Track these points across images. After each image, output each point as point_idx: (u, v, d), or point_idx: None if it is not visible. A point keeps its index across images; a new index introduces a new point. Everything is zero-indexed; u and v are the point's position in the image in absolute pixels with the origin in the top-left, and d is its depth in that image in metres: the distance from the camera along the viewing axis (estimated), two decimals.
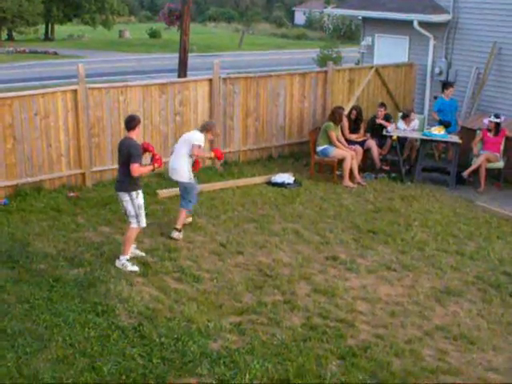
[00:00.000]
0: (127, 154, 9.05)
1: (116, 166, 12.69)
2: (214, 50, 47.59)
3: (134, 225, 9.31)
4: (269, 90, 14.85)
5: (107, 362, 6.84)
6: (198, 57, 38.65)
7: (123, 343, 7.25)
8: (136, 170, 9.04)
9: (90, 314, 7.84)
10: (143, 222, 9.40)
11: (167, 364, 6.89)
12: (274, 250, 10.07)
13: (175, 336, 7.40)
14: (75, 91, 12.30)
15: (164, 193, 12.41)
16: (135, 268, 9.20)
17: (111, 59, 41.52)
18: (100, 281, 8.73)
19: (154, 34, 60.94)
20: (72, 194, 12.09)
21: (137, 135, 9.35)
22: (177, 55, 20.21)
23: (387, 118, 14.99)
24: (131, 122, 9.17)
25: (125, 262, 9.23)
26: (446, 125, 14.79)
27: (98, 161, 12.83)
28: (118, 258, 9.30)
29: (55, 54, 43.94)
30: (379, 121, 14.71)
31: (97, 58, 41.59)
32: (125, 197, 9.22)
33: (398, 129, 14.78)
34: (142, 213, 9.35)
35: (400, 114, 15.45)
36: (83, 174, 12.66)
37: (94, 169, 12.77)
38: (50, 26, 59.67)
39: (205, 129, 10.61)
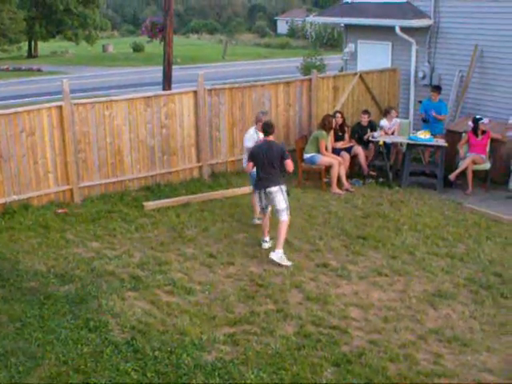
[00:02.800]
0: (280, 152, 10.07)
1: (104, 181, 12.87)
2: (198, 62, 47.68)
3: (285, 217, 10.11)
4: (254, 100, 14.86)
5: (101, 378, 6.81)
6: (182, 69, 38.69)
7: (117, 358, 7.21)
8: (291, 164, 10.17)
9: (82, 330, 7.80)
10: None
11: (162, 378, 6.87)
12: (264, 259, 10.05)
13: (169, 349, 7.38)
14: (60, 107, 12.27)
15: (150, 205, 12.38)
16: (289, 263, 9.85)
17: (95, 74, 41.52)
18: (91, 296, 8.70)
19: (137, 48, 61.05)
20: (60, 211, 12.04)
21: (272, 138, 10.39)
22: (161, 68, 20.19)
23: (372, 125, 15.06)
24: (271, 128, 10.26)
25: (282, 256, 9.90)
26: (423, 119, 15.07)
27: (86, 176, 12.79)
28: (274, 250, 9.97)
29: (39, 70, 43.91)
30: (368, 137, 14.71)
31: (81, 73, 41.55)
32: (277, 191, 10.09)
33: (381, 127, 14.91)
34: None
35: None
36: (71, 190, 12.60)
37: (82, 184, 12.72)
38: (32, 43, 59.65)
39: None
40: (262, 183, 10.23)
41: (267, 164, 10.09)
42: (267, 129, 10.23)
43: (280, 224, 10.08)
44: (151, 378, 6.85)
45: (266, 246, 10.52)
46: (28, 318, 8.10)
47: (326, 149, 13.75)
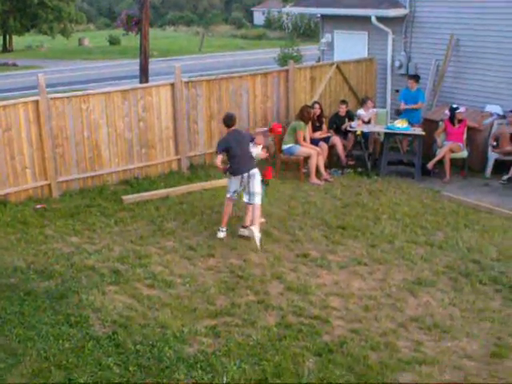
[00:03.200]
0: (249, 137, 10.84)
1: (82, 175, 12.80)
2: (175, 54, 47.45)
3: (259, 201, 10.42)
4: (231, 92, 14.85)
5: (83, 374, 6.79)
6: (159, 62, 38.51)
7: (98, 353, 7.19)
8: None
9: (63, 326, 7.77)
10: None
11: (144, 371, 6.86)
12: (244, 250, 10.08)
13: (150, 343, 7.37)
14: (37, 102, 12.18)
15: (129, 199, 12.34)
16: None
17: (72, 68, 41.22)
18: (72, 291, 8.66)
19: (113, 41, 60.67)
20: (39, 206, 11.97)
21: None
22: (137, 61, 20.10)
23: (350, 115, 15.12)
24: (231, 120, 10.60)
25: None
26: (397, 110, 15.16)
27: (64, 171, 12.71)
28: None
29: (15, 65, 43.49)
30: (346, 127, 14.79)
31: (57, 67, 41.23)
32: (257, 172, 10.51)
33: (358, 116, 15.03)
34: None
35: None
36: (49, 185, 12.52)
37: (60, 179, 12.64)
38: (7, 37, 59.08)
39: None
40: (244, 168, 10.43)
41: (242, 150, 10.46)
42: (228, 121, 10.60)
43: (254, 207, 10.39)
44: (133, 371, 6.84)
45: (222, 235, 10.58)
46: (8, 314, 8.04)
47: (304, 139, 13.78)
